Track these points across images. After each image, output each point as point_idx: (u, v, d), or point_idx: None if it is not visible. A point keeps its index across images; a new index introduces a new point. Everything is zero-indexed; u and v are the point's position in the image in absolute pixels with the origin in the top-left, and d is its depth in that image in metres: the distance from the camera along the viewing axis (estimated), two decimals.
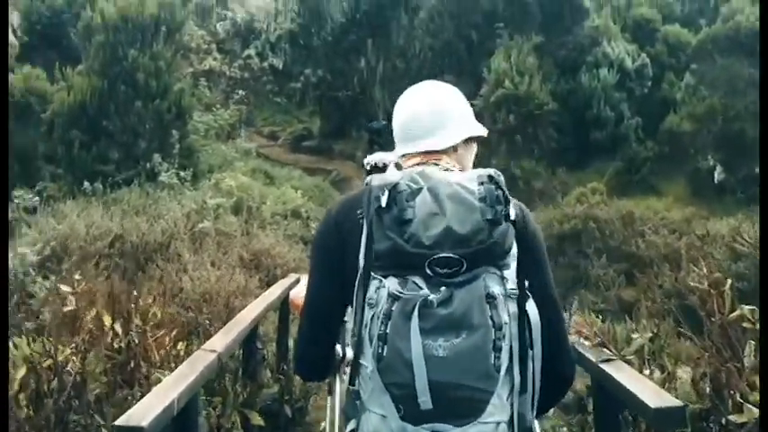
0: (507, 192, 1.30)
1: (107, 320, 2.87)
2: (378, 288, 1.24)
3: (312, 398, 4.44)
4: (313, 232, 10.17)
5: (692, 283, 2.50)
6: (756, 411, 1.97)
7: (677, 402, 1.79)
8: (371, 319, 1.23)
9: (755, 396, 2.10)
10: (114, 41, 11.30)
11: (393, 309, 1.21)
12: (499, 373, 1.22)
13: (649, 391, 1.85)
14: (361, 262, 1.28)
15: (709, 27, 12.64)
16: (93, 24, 11.51)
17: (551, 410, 4.16)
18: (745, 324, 2.28)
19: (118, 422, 1.79)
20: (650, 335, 2.45)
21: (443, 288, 1.21)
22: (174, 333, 3.37)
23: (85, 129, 10.83)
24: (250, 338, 3.29)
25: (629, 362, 2.25)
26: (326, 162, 18.11)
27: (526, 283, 1.29)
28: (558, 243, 8.48)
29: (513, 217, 1.28)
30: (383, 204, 1.26)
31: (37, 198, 8.90)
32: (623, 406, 2.16)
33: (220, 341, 2.71)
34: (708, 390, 2.41)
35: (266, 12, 24.95)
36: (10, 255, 6.18)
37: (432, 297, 1.20)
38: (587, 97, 12.86)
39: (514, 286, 1.27)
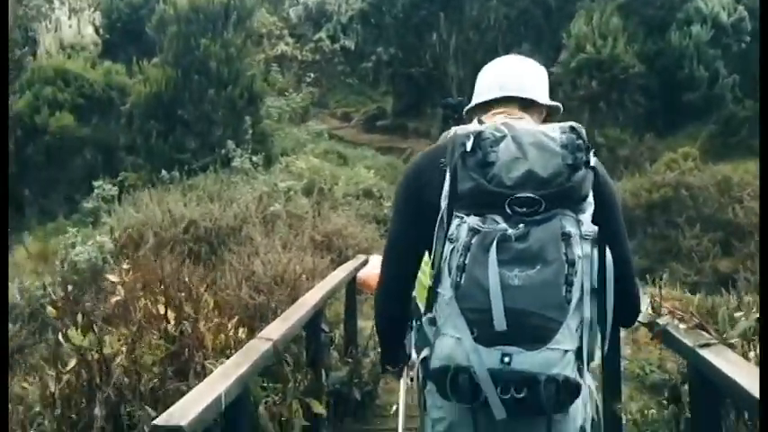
0: (583, 134, 1.37)
1: (161, 308, 2.78)
2: (459, 224, 1.33)
3: (381, 381, 4.27)
4: (386, 211, 10.07)
5: None
6: None
7: None
8: (451, 252, 1.33)
9: None
10: (186, 32, 11.49)
11: (473, 242, 1.30)
12: (570, 304, 1.31)
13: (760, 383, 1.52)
14: (444, 202, 1.38)
15: None
16: (165, 16, 11.75)
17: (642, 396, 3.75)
18: None
19: (157, 421, 1.65)
20: (757, 315, 2.07)
21: (521, 225, 1.30)
22: (235, 319, 3.28)
23: (162, 119, 11.12)
24: (313, 322, 3.14)
25: (732, 346, 1.90)
26: (400, 141, 17.88)
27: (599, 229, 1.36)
28: (647, 213, 7.90)
29: (593, 163, 1.37)
30: (468, 149, 1.35)
31: (116, 188, 9.19)
32: (725, 397, 1.82)
33: (277, 328, 2.57)
34: None
35: None
36: (89, 243, 6.40)
37: (510, 232, 1.30)
38: (678, 57, 11.91)
39: (589, 229, 1.34)
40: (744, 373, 1.62)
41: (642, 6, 12.68)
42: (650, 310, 2.23)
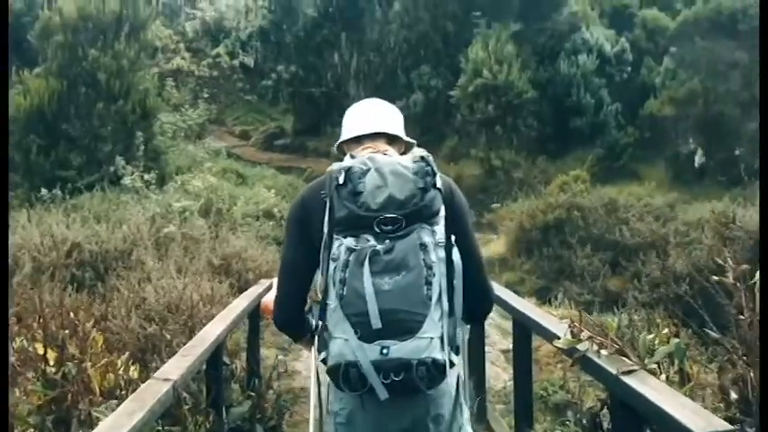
0: (435, 167, 1.66)
1: (39, 347, 2.45)
2: (339, 246, 1.60)
3: (286, 414, 4.04)
4: None
5: (715, 277, 2.16)
6: None
7: (726, 426, 1.44)
8: (334, 269, 1.59)
9: None
10: (74, 41, 10.76)
11: (350, 259, 1.57)
12: (431, 300, 1.59)
13: (686, 410, 1.51)
14: (326, 228, 1.64)
15: (689, 9, 12.45)
16: (51, 24, 10.95)
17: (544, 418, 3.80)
18: None
19: None
20: (676, 340, 2.10)
21: (387, 240, 1.58)
22: (125, 355, 2.97)
23: (44, 133, 10.30)
24: (215, 357, 2.89)
25: (652, 372, 1.90)
26: (300, 160, 17.67)
27: (452, 237, 1.67)
28: (543, 234, 8.18)
29: (439, 184, 1.66)
30: (341, 182, 1.62)
31: None
32: (649, 423, 1.81)
33: (176, 366, 2.30)
34: (737, 397, 2.08)
35: (236, 10, 24.38)
36: None
37: (379, 247, 1.57)
38: (566, 84, 12.61)
39: (442, 238, 1.63)
40: (668, 400, 1.61)
41: (534, 35, 13.35)
42: (569, 336, 2.20)
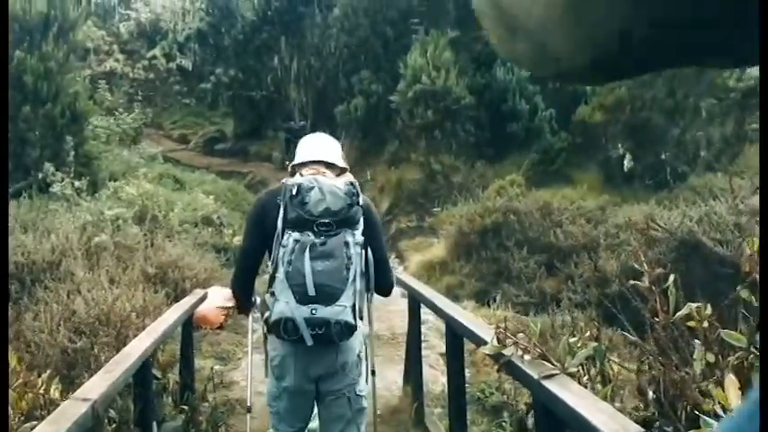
0: (359, 190, 2.38)
1: None
2: (288, 237, 2.26)
3: (222, 427, 3.98)
4: (226, 239, 9.62)
5: (632, 282, 2.26)
6: (714, 424, 1.72)
7: (636, 428, 1.51)
8: (284, 253, 2.25)
9: (709, 404, 1.87)
10: None
11: (296, 247, 2.23)
12: (348, 280, 2.28)
13: (603, 415, 1.57)
14: (279, 225, 2.30)
15: None
16: None
17: (482, 419, 4.00)
18: (691, 323, 2.05)
19: None
20: (594, 344, 2.18)
21: (322, 237, 2.26)
22: (46, 374, 2.86)
23: None
24: (142, 373, 2.81)
25: (572, 375, 1.97)
26: (241, 165, 17.39)
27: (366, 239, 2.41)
28: (481, 237, 8.33)
29: (361, 203, 2.37)
30: (293, 193, 2.28)
31: None
32: (569, 428, 1.88)
33: (97, 385, 2.23)
34: (653, 398, 2.18)
35: (172, 11, 23.82)
36: None
37: (316, 241, 2.25)
38: (502, 90, 12.88)
39: (360, 239, 2.34)
40: (586, 404, 1.67)
41: (471, 42, 13.58)
42: (495, 342, 2.26)
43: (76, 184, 8.63)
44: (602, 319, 6.14)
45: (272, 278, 2.29)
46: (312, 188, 2.28)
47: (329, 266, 2.23)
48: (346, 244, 2.28)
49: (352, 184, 2.35)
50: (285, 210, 2.29)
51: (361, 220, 2.36)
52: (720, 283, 5.23)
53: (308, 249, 2.22)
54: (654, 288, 2.20)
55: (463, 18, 13.70)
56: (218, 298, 7.06)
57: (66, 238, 6.80)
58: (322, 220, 2.26)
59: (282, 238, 2.27)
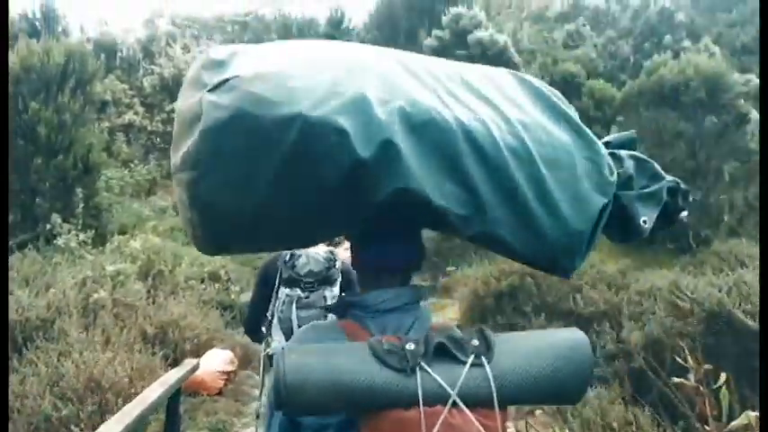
0: (336, 257, 3.11)
1: None
2: (281, 292, 2.99)
3: None
4: (233, 296, 9.33)
5: (676, 379, 1.93)
6: None
7: None
8: (278, 304, 2.98)
9: None
10: (14, 93, 10.35)
11: (285, 300, 2.94)
12: None
13: None
14: (277, 282, 3.02)
15: (633, 81, 12.83)
16: None
17: None
18: None
19: None
20: None
21: (307, 292, 2.99)
22: None
23: None
24: None
25: None
26: None
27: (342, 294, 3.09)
28: (496, 301, 7.96)
29: (338, 266, 3.09)
30: (287, 260, 3.02)
31: None
32: None
33: None
34: None
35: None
36: None
37: (302, 295, 2.97)
38: None
39: (336, 293, 3.06)
40: None
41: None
42: None
43: (80, 236, 8.43)
44: (627, 396, 5.71)
45: (269, 323, 3.01)
46: (300, 255, 2.96)
47: (311, 314, 2.92)
48: (324, 298, 3.00)
49: (331, 251, 3.07)
50: (281, 272, 3.00)
51: (338, 279, 3.06)
52: (753, 360, 4.82)
53: (294, 301, 2.94)
54: (702, 388, 1.86)
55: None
56: (218, 361, 6.72)
57: (63, 294, 6.55)
58: (306, 280, 2.98)
59: (278, 292, 2.98)
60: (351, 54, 1.39)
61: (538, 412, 5.60)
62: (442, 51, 14.46)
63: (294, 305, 2.93)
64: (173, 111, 21.30)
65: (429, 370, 1.15)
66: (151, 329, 6.66)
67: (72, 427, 4.73)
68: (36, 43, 10.75)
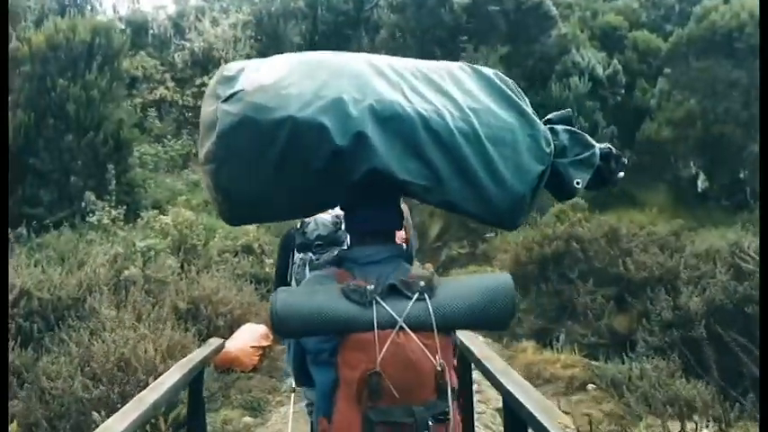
0: (342, 220, 2.53)
1: None
2: (296, 257, 3.07)
3: None
4: (267, 269, 9.15)
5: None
6: None
7: None
8: (294, 267, 3.05)
9: None
10: (42, 72, 10.26)
11: (299, 263, 3.04)
12: None
13: None
14: (293, 248, 3.09)
15: (682, 29, 12.02)
16: (19, 55, 10.43)
17: None
18: None
19: None
20: None
21: (318, 254, 3.01)
22: None
23: (9, 168, 9.69)
24: None
25: None
26: None
27: None
28: (540, 268, 7.57)
29: (344, 229, 2.62)
30: (299, 226, 3.06)
31: None
32: None
33: None
34: None
35: (224, 40, 24.04)
36: None
37: (313, 257, 3.01)
38: (559, 108, 11.90)
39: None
40: None
41: (523, 58, 12.90)
42: None
43: (113, 213, 8.31)
44: (687, 369, 5.31)
45: (288, 283, 3.07)
46: (309, 222, 3.02)
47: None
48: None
49: (337, 216, 2.98)
50: (294, 238, 3.08)
51: (346, 240, 2.96)
52: None
53: (307, 264, 2.99)
54: None
55: (514, 33, 13.06)
56: (252, 336, 6.53)
57: (94, 272, 6.43)
58: (316, 243, 3.02)
59: (294, 257, 3.07)
60: (333, 62, 1.71)
61: (590, 386, 5.24)
62: (474, 6, 13.81)
63: (307, 267, 3.07)
64: (203, 85, 21.10)
65: (383, 304, 1.50)
66: (183, 305, 6.49)
67: (101, 408, 4.60)
68: (61, 20, 10.57)
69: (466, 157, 1.58)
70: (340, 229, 3.01)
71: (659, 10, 16.22)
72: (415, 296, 1.53)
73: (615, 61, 13.07)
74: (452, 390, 1.53)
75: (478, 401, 4.39)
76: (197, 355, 3.30)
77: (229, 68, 1.68)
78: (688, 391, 4.79)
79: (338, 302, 1.52)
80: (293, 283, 3.00)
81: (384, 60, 1.76)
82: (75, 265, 6.88)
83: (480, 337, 7.35)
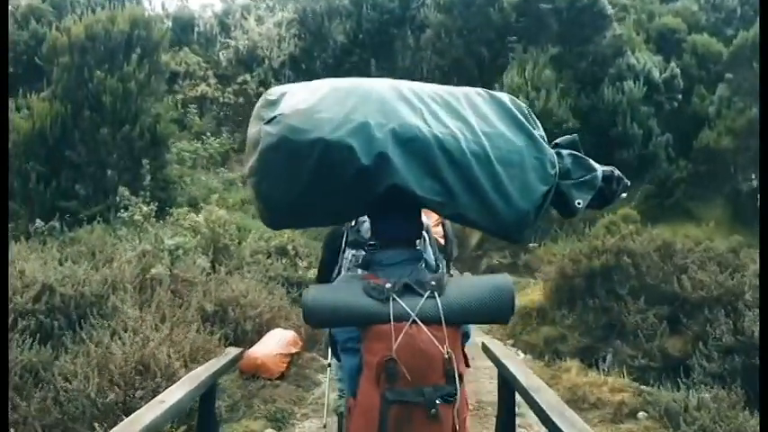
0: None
1: None
2: (347, 253, 3.13)
3: None
4: (300, 272, 8.85)
5: None
6: None
7: None
8: (344, 262, 3.12)
9: None
10: (80, 63, 10.21)
11: (351, 259, 3.11)
12: None
13: None
14: (343, 244, 3.16)
15: (747, 31, 11.29)
16: (58, 45, 10.42)
17: None
18: None
19: None
20: None
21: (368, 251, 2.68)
22: None
23: (45, 160, 9.67)
24: None
25: None
26: None
27: None
28: (588, 282, 7.07)
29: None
30: (353, 224, 3.10)
31: None
32: None
33: None
34: None
35: (269, 38, 24.07)
36: None
37: (363, 254, 2.48)
38: (611, 113, 11.50)
39: None
40: None
41: (575, 59, 12.34)
42: None
43: (144, 209, 8.13)
44: (750, 400, 4.78)
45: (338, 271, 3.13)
46: (365, 221, 2.98)
47: None
48: None
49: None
50: (347, 234, 3.14)
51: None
52: None
53: (360, 260, 2.87)
54: None
55: (566, 33, 12.50)
56: (280, 342, 6.22)
57: (119, 269, 6.23)
58: (370, 242, 2.85)
59: (345, 252, 3.12)
60: (361, 89, 1.89)
61: (641, 415, 4.75)
62: (524, 4, 13.29)
63: (357, 262, 3.20)
64: (245, 83, 21.10)
65: (399, 300, 1.75)
66: (210, 307, 6.22)
67: (117, 413, 4.35)
68: (101, 11, 10.52)
69: (477, 175, 1.79)
70: None
71: (720, 13, 15.42)
72: (427, 294, 1.76)
73: (673, 65, 12.38)
74: (459, 375, 1.74)
75: (519, 426, 3.98)
76: (209, 366, 2.98)
77: (272, 93, 1.91)
78: (753, 425, 4.29)
79: (360, 298, 1.76)
80: (343, 273, 3.20)
81: (407, 85, 1.97)
82: (101, 261, 6.70)
83: (521, 354, 6.90)
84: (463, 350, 1.89)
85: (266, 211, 1.93)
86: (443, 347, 1.72)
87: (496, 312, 1.80)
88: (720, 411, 4.40)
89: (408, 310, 1.72)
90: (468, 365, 1.90)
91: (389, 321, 1.70)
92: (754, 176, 10.06)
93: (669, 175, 10.86)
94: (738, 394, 4.73)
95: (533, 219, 1.86)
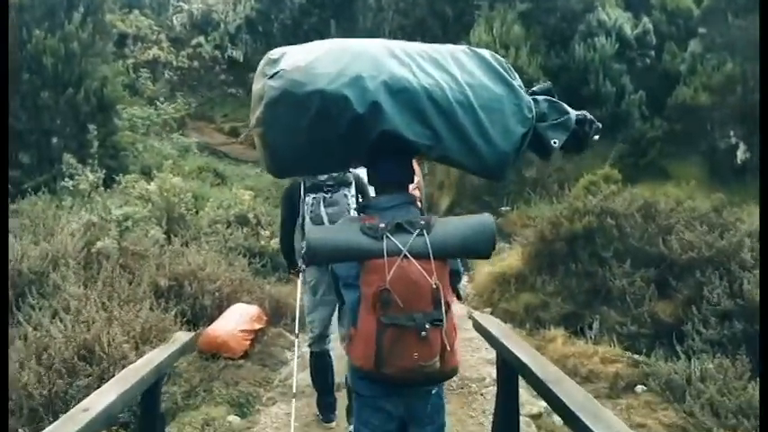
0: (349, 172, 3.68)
1: None
2: (308, 197, 3.60)
3: None
4: (262, 242, 8.31)
5: None
6: None
7: None
8: (307, 206, 3.58)
9: None
10: (18, 22, 9.29)
11: (313, 201, 3.59)
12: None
13: None
14: (302, 192, 3.59)
15: None
16: None
17: None
18: None
19: None
20: None
21: (329, 193, 3.63)
22: None
23: None
24: None
25: None
26: None
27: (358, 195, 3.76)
28: (569, 245, 6.71)
29: (352, 178, 3.70)
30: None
31: None
32: None
33: None
34: None
35: (224, 2, 23.02)
36: None
37: (326, 196, 3.61)
38: (582, 71, 11.11)
39: (353, 193, 3.70)
40: None
41: (544, 15, 11.86)
42: None
43: (90, 177, 7.43)
44: (755, 367, 4.49)
45: (302, 227, 3.51)
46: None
47: (336, 209, 3.56)
48: (345, 196, 3.62)
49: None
50: (303, 183, 3.56)
51: (353, 182, 3.65)
52: None
53: (321, 201, 3.55)
54: None
55: None
56: (243, 318, 5.71)
57: (61, 243, 5.59)
58: (327, 183, 3.56)
59: (305, 199, 3.55)
60: (355, 48, 2.16)
61: (639, 388, 4.41)
62: None
63: (322, 204, 3.53)
64: (199, 45, 20.07)
65: (392, 238, 2.01)
66: (164, 282, 5.67)
67: (59, 403, 3.80)
68: None
69: (461, 121, 2.05)
70: (348, 171, 3.61)
71: None
72: (416, 232, 2.03)
73: (645, 20, 12.01)
74: (446, 304, 2.01)
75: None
76: (152, 358, 2.45)
77: (274, 53, 2.15)
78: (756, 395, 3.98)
79: (358, 237, 2.03)
80: (307, 221, 3.53)
81: (398, 44, 2.22)
82: (42, 234, 6.05)
83: (501, 324, 6.53)
84: (454, 288, 2.20)
85: (271, 158, 2.16)
86: (431, 278, 1.98)
87: (480, 246, 2.09)
88: (727, 383, 4.09)
89: (400, 246, 1.98)
90: (456, 297, 2.24)
91: (383, 256, 1.96)
92: (732, 133, 9.83)
93: (643, 134, 10.56)
94: (744, 363, 4.43)
95: (513, 159, 2.12)
